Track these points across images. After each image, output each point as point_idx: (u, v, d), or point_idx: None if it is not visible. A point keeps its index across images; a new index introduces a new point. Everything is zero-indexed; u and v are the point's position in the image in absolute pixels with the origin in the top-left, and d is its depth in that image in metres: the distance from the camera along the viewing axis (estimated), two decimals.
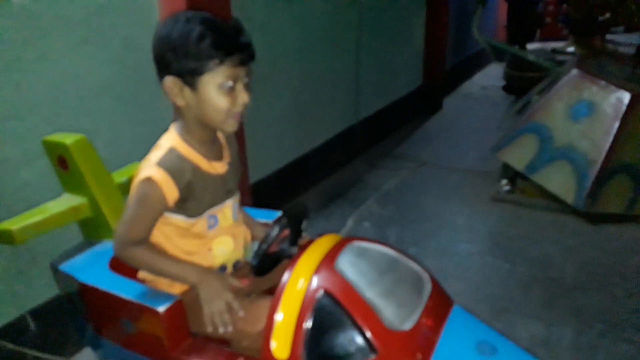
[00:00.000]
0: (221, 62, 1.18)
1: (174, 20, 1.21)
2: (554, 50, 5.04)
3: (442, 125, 4.91)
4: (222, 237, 1.37)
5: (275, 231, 1.27)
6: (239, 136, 2.46)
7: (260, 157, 2.83)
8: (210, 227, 1.34)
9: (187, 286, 1.36)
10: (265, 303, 1.26)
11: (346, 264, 1.20)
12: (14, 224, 1.48)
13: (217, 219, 1.35)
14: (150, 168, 1.23)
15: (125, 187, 1.68)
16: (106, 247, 1.56)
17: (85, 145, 1.56)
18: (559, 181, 2.90)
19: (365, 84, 3.89)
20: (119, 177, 1.72)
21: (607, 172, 2.78)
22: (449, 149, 4.23)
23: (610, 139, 2.76)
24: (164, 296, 1.29)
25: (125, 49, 2.03)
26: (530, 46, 5.55)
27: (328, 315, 1.13)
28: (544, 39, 6.16)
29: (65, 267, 1.50)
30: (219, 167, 1.34)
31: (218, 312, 1.24)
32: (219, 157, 1.36)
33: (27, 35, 1.71)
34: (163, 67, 1.23)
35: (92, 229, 1.64)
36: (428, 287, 1.26)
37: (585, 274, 2.44)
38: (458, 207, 3.18)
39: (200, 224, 1.32)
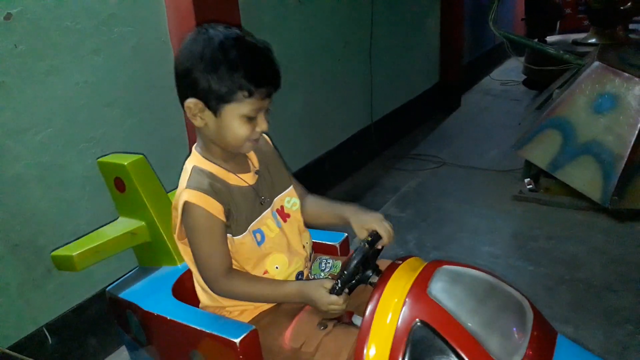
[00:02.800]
0: (250, 94, 1.15)
1: (206, 38, 1.15)
2: (575, 42, 4.90)
3: (460, 123, 4.82)
4: (273, 256, 1.30)
5: (355, 260, 1.14)
6: None
7: None
8: (259, 243, 1.28)
9: (256, 314, 1.30)
10: (344, 333, 1.19)
11: (440, 290, 1.08)
12: (73, 250, 1.44)
13: (262, 232, 1.29)
14: (182, 195, 1.19)
15: None
16: (166, 274, 1.50)
17: (144, 166, 1.51)
18: (584, 178, 2.81)
19: (380, 83, 3.83)
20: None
21: (634, 167, 2.68)
22: (468, 147, 4.14)
23: (636, 132, 2.67)
24: (237, 325, 1.22)
25: (135, 59, 2.02)
26: (550, 39, 5.40)
27: (427, 349, 1.01)
28: (564, 30, 5.99)
29: (126, 295, 1.43)
30: (247, 179, 1.29)
31: (331, 308, 1.16)
32: (245, 170, 1.31)
33: (38, 48, 1.71)
34: (187, 85, 1.17)
35: (149, 254, 1.58)
36: (530, 315, 1.14)
37: (613, 274, 2.35)
38: (480, 209, 3.10)
39: (248, 241, 1.26)
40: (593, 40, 4.69)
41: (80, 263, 1.43)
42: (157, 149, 2.15)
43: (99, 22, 1.88)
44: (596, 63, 2.90)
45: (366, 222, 1.26)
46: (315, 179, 3.28)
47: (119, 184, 1.52)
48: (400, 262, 1.19)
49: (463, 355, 0.98)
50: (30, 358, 1.64)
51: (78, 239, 1.52)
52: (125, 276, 1.55)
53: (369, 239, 1.20)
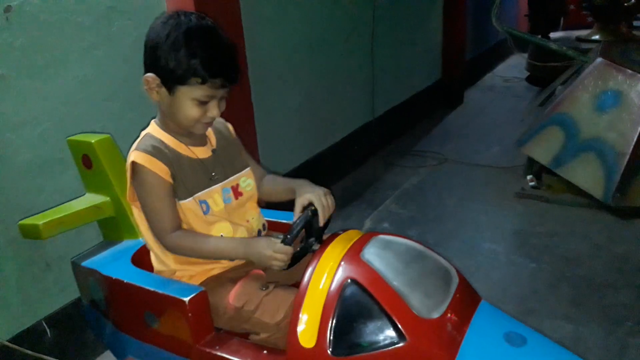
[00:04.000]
0: (203, 82, 1.24)
1: (177, 22, 1.25)
2: (579, 39, 4.88)
3: (463, 119, 4.80)
4: (219, 224, 1.38)
5: (298, 226, 1.25)
6: (251, 135, 2.43)
7: (273, 157, 2.80)
8: (205, 212, 1.36)
9: (204, 278, 1.38)
10: (283, 293, 1.30)
11: (372, 255, 1.20)
12: (40, 220, 1.54)
13: (207, 204, 1.37)
14: (130, 156, 1.29)
15: None
16: (127, 246, 1.60)
17: (110, 145, 1.61)
18: (586, 175, 2.80)
19: (381, 79, 3.82)
20: None
21: (637, 164, 2.67)
22: (471, 144, 4.13)
23: (639, 129, 2.65)
24: (188, 287, 1.31)
25: (135, 52, 1.98)
26: (554, 35, 5.38)
27: (355, 303, 1.13)
28: (568, 27, 5.97)
29: (88, 263, 1.53)
30: (199, 152, 1.38)
31: (270, 258, 1.23)
32: (199, 144, 1.40)
33: (37, 42, 1.71)
34: (150, 60, 1.29)
35: (113, 229, 1.67)
36: (455, 280, 1.25)
37: (615, 271, 2.35)
38: (481, 205, 3.09)
39: (192, 207, 1.34)
40: (597, 37, 4.67)
41: (45, 232, 1.53)
42: None
43: (99, 15, 1.87)
44: (599, 59, 2.88)
45: (306, 195, 1.34)
46: (316, 174, 3.25)
47: (86, 161, 1.62)
48: (341, 232, 1.31)
49: (387, 309, 1.10)
50: (29, 351, 1.65)
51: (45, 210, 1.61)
52: (90, 248, 1.64)
53: (312, 208, 1.30)
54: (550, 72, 4.19)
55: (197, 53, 1.22)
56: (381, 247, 1.24)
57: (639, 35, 4.84)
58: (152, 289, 1.32)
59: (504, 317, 1.24)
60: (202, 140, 1.41)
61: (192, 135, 1.37)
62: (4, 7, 1.60)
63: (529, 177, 3.20)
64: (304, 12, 2.95)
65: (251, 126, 2.43)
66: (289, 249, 1.22)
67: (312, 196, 1.32)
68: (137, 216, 1.40)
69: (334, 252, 1.22)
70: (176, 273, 1.40)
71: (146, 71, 1.30)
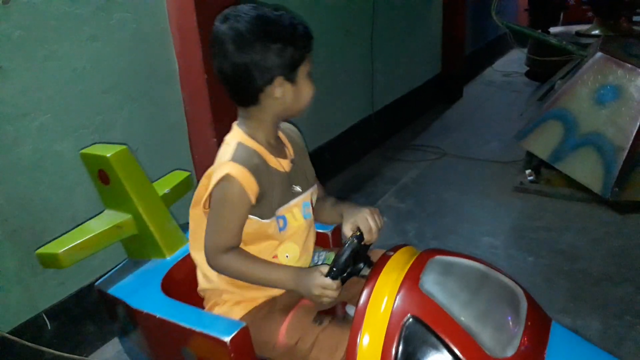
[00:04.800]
0: (310, 49, 1.22)
1: (240, 23, 1.15)
2: (578, 34, 4.86)
3: (462, 114, 4.79)
4: (288, 244, 1.31)
5: (347, 252, 1.15)
6: None
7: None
8: (281, 229, 1.28)
9: (251, 307, 1.29)
10: (340, 330, 1.19)
11: (432, 283, 1.07)
12: (58, 248, 1.40)
13: (285, 219, 1.28)
14: (225, 165, 1.18)
15: (168, 198, 1.61)
16: (155, 267, 1.47)
17: (127, 157, 1.46)
18: (585, 169, 2.80)
19: (381, 73, 3.81)
20: (161, 187, 1.62)
21: (635, 158, 2.67)
22: (470, 138, 4.12)
23: (638, 123, 2.65)
24: (228, 323, 1.21)
25: (134, 44, 2.01)
26: (554, 30, 5.36)
27: (420, 344, 1.00)
28: (568, 22, 5.95)
29: (115, 291, 1.40)
30: (284, 164, 1.29)
31: (318, 297, 1.15)
32: (283, 155, 1.31)
33: (36, 34, 1.70)
34: (267, 70, 1.16)
35: (137, 247, 1.54)
36: (524, 304, 1.12)
37: (613, 265, 2.35)
38: (480, 199, 3.09)
39: (271, 226, 1.26)
40: (596, 32, 4.65)
41: (65, 260, 1.39)
42: (156, 135, 2.14)
43: (98, 7, 1.86)
44: (599, 54, 2.88)
45: (351, 217, 1.26)
46: (316, 168, 3.25)
47: (103, 176, 1.47)
48: (392, 253, 1.17)
49: (456, 351, 0.97)
50: (29, 343, 1.66)
51: (63, 234, 1.47)
52: (114, 269, 1.52)
53: (357, 233, 1.20)
54: (549, 67, 4.18)
55: (294, 23, 1.19)
56: (441, 273, 1.12)
57: (638, 30, 4.83)
58: (188, 327, 1.20)
59: (580, 343, 1.13)
60: (283, 151, 1.32)
61: (276, 144, 1.30)
62: None
63: (527, 171, 3.19)
64: (304, 6, 2.94)
65: None
66: (337, 284, 1.13)
67: (358, 219, 1.23)
68: (195, 227, 1.30)
69: (389, 280, 1.08)
70: (223, 295, 1.31)
71: (262, 87, 1.17)
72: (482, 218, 2.88)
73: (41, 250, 1.43)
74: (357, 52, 3.54)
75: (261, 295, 1.30)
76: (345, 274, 1.16)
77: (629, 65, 2.74)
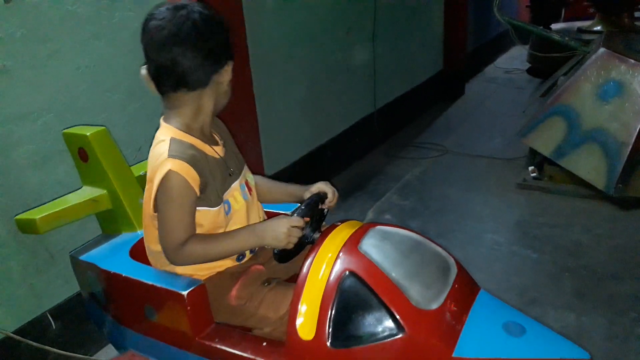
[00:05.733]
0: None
1: (209, 7, 1.25)
2: (580, 30, 4.85)
3: (464, 111, 4.79)
4: (233, 227, 1.36)
5: (302, 210, 1.26)
6: (253, 128, 2.42)
7: (275, 149, 2.79)
8: (227, 213, 1.33)
9: (209, 273, 1.35)
10: (285, 288, 1.30)
11: (370, 246, 1.20)
12: (36, 214, 1.52)
13: (229, 203, 1.35)
14: (164, 163, 1.20)
15: (144, 180, 1.67)
16: (125, 239, 1.58)
17: (105, 137, 1.59)
18: (588, 166, 2.79)
19: (383, 70, 3.80)
20: (138, 170, 1.72)
21: (639, 155, 2.66)
22: (472, 135, 4.12)
23: None
24: (187, 280, 1.29)
25: (136, 43, 1.98)
26: (555, 26, 5.35)
27: (354, 295, 1.13)
28: (569, 18, 5.94)
29: (86, 257, 1.52)
30: (219, 151, 1.35)
31: (286, 235, 1.23)
32: (215, 142, 1.37)
33: (39, 33, 1.70)
34: (225, 52, 1.26)
35: (110, 222, 1.65)
36: (454, 270, 1.25)
37: (617, 262, 2.35)
38: (483, 196, 3.09)
39: (221, 212, 1.31)
40: (598, 28, 4.64)
41: (42, 226, 1.51)
42: None
43: (100, 6, 1.86)
44: (602, 49, 2.86)
45: (313, 186, 1.40)
46: (318, 166, 3.27)
47: (82, 154, 1.59)
48: (339, 224, 1.30)
49: (385, 301, 1.10)
50: (34, 342, 1.66)
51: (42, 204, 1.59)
52: (88, 241, 1.63)
53: (321, 192, 1.37)
54: (551, 63, 4.17)
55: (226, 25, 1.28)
56: (379, 238, 1.24)
57: None
58: (151, 283, 1.31)
59: (503, 307, 1.25)
60: (214, 139, 1.37)
61: (207, 133, 1.34)
62: None
63: (530, 168, 3.19)
64: (306, 4, 2.93)
65: (253, 119, 2.42)
66: (302, 221, 1.23)
67: (322, 184, 1.37)
68: (147, 224, 1.35)
69: (333, 243, 1.22)
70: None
71: (219, 67, 1.24)
72: (485, 215, 2.88)
73: (20, 216, 1.56)
74: (359, 50, 3.53)
75: (210, 272, 1.36)
76: (308, 215, 1.29)
77: (632, 61, 2.73)
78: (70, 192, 1.67)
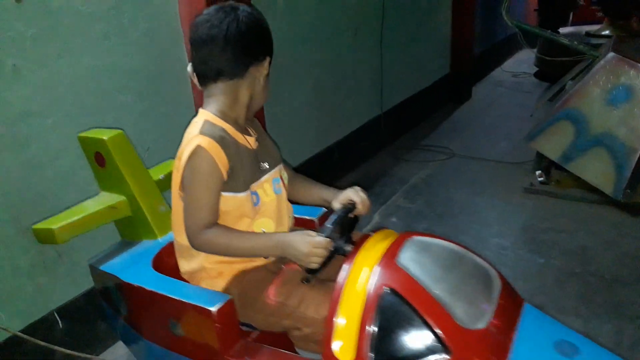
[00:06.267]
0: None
1: (255, 8, 1.33)
2: (588, 34, 4.83)
3: (471, 114, 4.78)
4: (262, 220, 1.35)
5: (328, 229, 1.19)
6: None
7: (282, 150, 2.78)
8: (255, 204, 1.33)
9: (231, 278, 1.33)
10: (326, 289, 1.23)
11: (408, 259, 1.13)
12: (54, 223, 1.46)
13: (258, 195, 1.34)
14: (194, 139, 1.23)
15: (162, 184, 1.66)
16: (147, 247, 1.52)
17: (123, 141, 1.53)
18: (596, 170, 2.78)
19: (390, 73, 3.80)
20: (156, 174, 1.68)
21: None
22: (479, 139, 4.11)
23: None
24: (214, 295, 1.26)
25: (145, 43, 2.01)
26: (563, 30, 5.33)
27: (395, 314, 1.06)
28: (577, 22, 5.92)
29: (107, 267, 1.45)
30: (251, 142, 1.36)
31: (308, 254, 1.17)
32: (248, 133, 1.38)
33: (49, 32, 1.70)
34: (264, 47, 1.31)
35: (130, 228, 1.59)
36: (497, 284, 1.18)
37: (625, 267, 2.33)
38: (490, 200, 3.08)
39: (247, 200, 1.30)
40: (607, 32, 4.62)
41: (61, 236, 1.46)
42: (168, 133, 2.15)
43: (110, 6, 1.86)
44: (611, 54, 2.85)
45: (342, 194, 1.37)
46: (324, 168, 3.26)
47: (99, 159, 1.54)
48: (372, 233, 1.24)
49: (429, 320, 1.03)
50: (41, 341, 1.66)
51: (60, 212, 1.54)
52: (108, 249, 1.57)
53: (349, 205, 1.30)
54: (559, 67, 4.16)
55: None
56: (418, 251, 1.17)
57: None
58: (177, 298, 1.26)
59: (552, 323, 1.18)
60: (248, 130, 1.39)
61: (242, 124, 1.36)
62: None
63: (537, 172, 3.18)
64: (314, 6, 2.93)
65: (260, 120, 2.42)
66: (327, 242, 1.17)
67: (351, 192, 1.36)
68: (174, 212, 1.34)
69: (368, 256, 1.14)
70: (203, 272, 1.35)
71: (253, 60, 1.29)
72: (491, 219, 2.87)
73: (38, 225, 1.50)
74: (366, 52, 3.53)
75: (242, 267, 1.34)
76: (335, 234, 1.22)
77: None
78: (86, 199, 1.64)
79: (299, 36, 2.86)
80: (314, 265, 1.18)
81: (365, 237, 1.22)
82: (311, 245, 1.16)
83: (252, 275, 1.33)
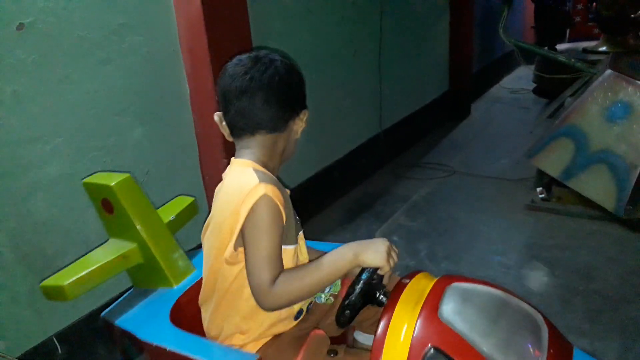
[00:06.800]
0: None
1: (286, 59, 1.28)
2: (585, 50, 4.87)
3: (471, 131, 4.79)
4: None
5: (361, 283, 1.11)
6: None
7: (282, 170, 2.79)
8: (297, 261, 1.26)
9: (262, 343, 1.25)
10: (352, 359, 1.18)
11: (451, 312, 1.05)
12: (63, 280, 1.36)
13: (299, 249, 1.27)
14: (258, 188, 1.11)
15: (173, 226, 1.58)
16: (162, 297, 1.44)
17: (131, 185, 1.44)
18: (597, 187, 2.77)
19: (389, 91, 3.82)
20: (166, 214, 1.59)
21: None
22: (479, 156, 4.11)
23: None
24: (241, 356, 1.18)
25: (146, 67, 2.03)
26: (560, 46, 5.38)
27: None
28: (574, 38, 5.98)
29: (122, 322, 1.37)
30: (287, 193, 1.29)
31: (387, 253, 1.11)
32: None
33: (50, 59, 1.72)
34: (301, 101, 1.28)
35: (143, 276, 1.51)
36: (545, 330, 1.11)
37: (629, 285, 2.31)
38: (491, 218, 3.07)
39: (294, 254, 1.23)
40: (604, 48, 4.65)
41: (71, 293, 1.36)
42: (167, 156, 2.15)
43: (110, 31, 1.88)
44: (609, 71, 2.87)
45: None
46: (325, 187, 3.26)
47: (107, 205, 1.45)
48: (408, 280, 1.14)
49: None
50: None
51: (66, 266, 1.44)
52: (121, 299, 1.48)
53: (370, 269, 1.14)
54: (557, 84, 4.18)
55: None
56: (460, 301, 1.09)
57: None
58: (201, 359, 1.15)
59: None
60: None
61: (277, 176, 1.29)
62: (17, 24, 1.62)
63: (538, 189, 3.17)
64: (313, 27, 2.96)
65: None
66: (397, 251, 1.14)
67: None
68: (224, 276, 1.21)
69: (407, 308, 1.05)
70: (232, 340, 1.25)
71: (294, 113, 1.25)
72: (493, 237, 2.85)
73: (46, 282, 1.39)
74: (365, 71, 3.56)
75: (269, 333, 1.26)
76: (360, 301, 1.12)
77: (639, 83, 2.73)
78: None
79: (299, 59, 2.86)
80: (392, 264, 1.11)
81: (401, 286, 1.11)
82: (387, 245, 1.11)
83: (276, 347, 1.25)
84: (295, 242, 1.24)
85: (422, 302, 1.06)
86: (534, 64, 5.24)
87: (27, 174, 1.70)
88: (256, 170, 1.17)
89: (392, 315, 1.04)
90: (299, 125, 1.28)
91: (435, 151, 4.32)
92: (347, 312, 1.09)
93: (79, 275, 1.37)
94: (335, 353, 1.20)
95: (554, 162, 2.96)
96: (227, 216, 1.14)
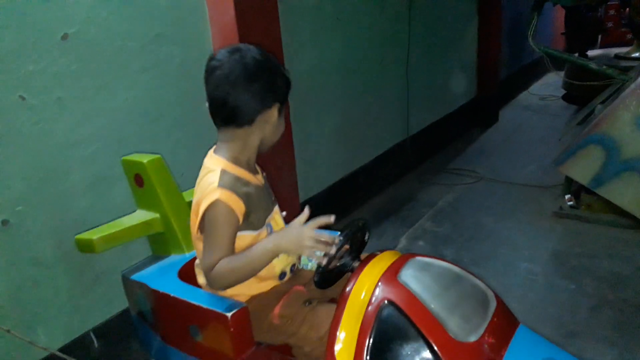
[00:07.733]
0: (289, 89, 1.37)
1: (265, 52, 1.33)
2: (617, 56, 4.79)
3: (498, 138, 4.76)
4: None
5: (337, 247, 1.28)
6: (289, 155, 2.49)
7: (309, 174, 2.85)
8: (269, 234, 1.40)
9: (251, 295, 1.41)
10: (326, 309, 1.32)
11: (409, 277, 1.22)
12: (94, 235, 1.62)
13: (271, 226, 1.43)
14: (213, 192, 1.27)
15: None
16: (174, 260, 1.68)
17: (161, 165, 1.69)
18: (628, 195, 2.73)
19: (416, 97, 3.84)
20: (188, 196, 1.79)
21: None
22: (507, 162, 4.09)
23: None
24: (231, 302, 1.34)
25: (180, 76, 2.10)
26: (592, 53, 5.30)
27: (392, 325, 1.14)
28: (606, 44, 5.88)
29: (137, 276, 1.60)
30: (260, 179, 1.44)
31: (310, 246, 1.25)
32: (257, 172, 1.45)
33: (91, 67, 1.81)
34: (272, 94, 1.31)
35: (161, 244, 1.75)
36: (493, 304, 1.25)
37: None
38: (518, 224, 3.05)
39: (263, 234, 1.38)
40: (636, 54, 4.57)
41: (99, 246, 1.60)
42: (200, 161, 2.21)
43: (148, 41, 1.96)
44: None
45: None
46: (351, 192, 3.30)
47: (139, 180, 1.70)
48: (379, 253, 1.33)
49: (424, 332, 1.11)
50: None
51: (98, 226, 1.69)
52: (139, 262, 1.71)
53: (362, 221, 1.37)
54: (587, 91, 4.13)
55: (282, 71, 1.35)
56: (419, 269, 1.25)
57: None
58: (196, 304, 1.36)
59: (543, 342, 1.25)
60: (256, 168, 1.45)
61: (252, 165, 1.42)
62: (61, 34, 1.71)
63: (567, 196, 3.14)
64: (341, 35, 3.01)
65: (290, 146, 2.49)
66: (329, 237, 1.27)
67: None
68: (198, 249, 1.40)
69: (372, 272, 1.23)
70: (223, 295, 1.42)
71: (264, 107, 1.30)
72: (520, 244, 2.84)
73: (80, 236, 1.64)
74: (392, 78, 3.58)
75: (256, 288, 1.42)
76: (337, 264, 1.33)
77: None
78: (122, 216, 1.76)
79: (328, 66, 2.93)
80: (307, 253, 1.26)
81: (371, 256, 1.30)
82: (301, 232, 1.25)
83: (261, 298, 1.41)
84: (262, 226, 1.38)
85: (386, 268, 1.24)
86: (563, 70, 5.18)
87: (69, 177, 1.79)
88: (223, 171, 1.31)
89: (359, 275, 1.23)
90: (270, 117, 1.32)
91: (462, 157, 4.31)
92: (320, 275, 1.29)
93: (108, 233, 1.63)
94: (310, 303, 1.35)
95: (583, 169, 2.93)
96: (195, 203, 1.33)
